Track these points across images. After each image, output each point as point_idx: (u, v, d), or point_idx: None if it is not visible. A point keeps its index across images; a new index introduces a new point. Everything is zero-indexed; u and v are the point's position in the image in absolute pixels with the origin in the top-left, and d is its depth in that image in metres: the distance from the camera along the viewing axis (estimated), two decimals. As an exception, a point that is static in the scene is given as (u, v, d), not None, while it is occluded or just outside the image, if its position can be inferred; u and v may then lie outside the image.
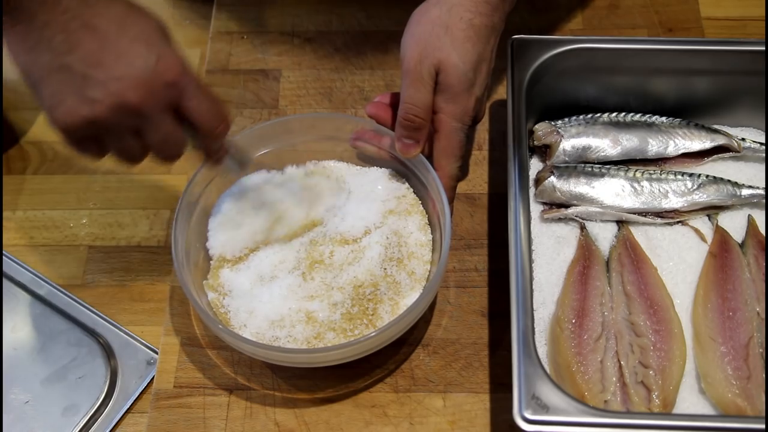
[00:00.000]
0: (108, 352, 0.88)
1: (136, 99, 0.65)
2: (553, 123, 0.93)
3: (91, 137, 0.68)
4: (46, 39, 0.63)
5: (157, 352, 0.88)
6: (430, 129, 0.83)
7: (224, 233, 0.86)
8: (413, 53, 0.80)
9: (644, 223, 0.89)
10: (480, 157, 0.98)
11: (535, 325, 0.76)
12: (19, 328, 0.90)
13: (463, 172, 0.94)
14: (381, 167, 0.90)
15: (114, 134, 0.68)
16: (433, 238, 0.86)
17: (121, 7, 0.66)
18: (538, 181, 0.90)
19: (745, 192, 0.89)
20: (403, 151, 0.84)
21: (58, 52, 0.63)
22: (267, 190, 0.88)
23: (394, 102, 0.87)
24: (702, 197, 0.89)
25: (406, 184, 0.89)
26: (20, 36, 0.64)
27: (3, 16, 0.64)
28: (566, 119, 0.93)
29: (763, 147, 0.92)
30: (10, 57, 0.66)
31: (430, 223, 0.87)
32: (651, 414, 0.74)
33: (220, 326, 0.77)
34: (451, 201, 0.85)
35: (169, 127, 0.69)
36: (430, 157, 0.84)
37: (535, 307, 0.80)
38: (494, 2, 0.82)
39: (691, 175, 0.90)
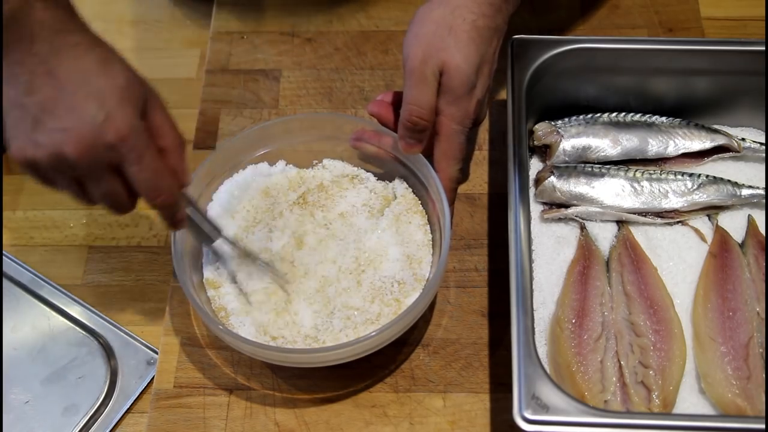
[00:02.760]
0: (108, 352, 0.88)
1: (73, 154, 0.65)
2: (553, 123, 0.93)
3: (43, 174, 0.69)
4: (14, 76, 0.65)
5: (157, 352, 0.87)
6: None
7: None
8: (416, 53, 0.79)
9: (644, 223, 0.89)
10: (480, 157, 0.98)
11: (535, 325, 0.76)
12: (19, 328, 0.90)
13: (464, 173, 0.94)
14: (381, 168, 0.90)
15: (58, 179, 0.69)
16: (433, 238, 0.86)
17: (94, 60, 0.66)
18: (538, 181, 0.90)
19: (745, 192, 0.89)
20: (405, 150, 0.84)
21: (20, 91, 0.65)
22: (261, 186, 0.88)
23: (396, 100, 0.87)
24: (702, 197, 0.89)
25: (406, 184, 0.89)
26: None
27: None
28: (566, 119, 0.93)
29: (763, 147, 0.92)
30: None
31: (430, 223, 0.87)
32: (651, 414, 0.74)
33: (220, 326, 0.77)
34: (451, 203, 0.84)
35: (109, 185, 0.69)
36: (430, 158, 0.84)
37: (535, 307, 0.80)
38: (497, 4, 0.82)
39: (691, 175, 0.90)
